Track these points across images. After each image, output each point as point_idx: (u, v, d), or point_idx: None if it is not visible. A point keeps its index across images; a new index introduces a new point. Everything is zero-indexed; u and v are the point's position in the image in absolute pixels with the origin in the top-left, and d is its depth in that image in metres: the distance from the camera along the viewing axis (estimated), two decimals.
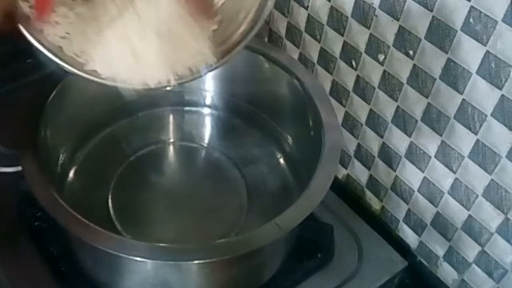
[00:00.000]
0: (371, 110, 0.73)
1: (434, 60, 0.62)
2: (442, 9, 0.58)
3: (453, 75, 0.60)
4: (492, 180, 0.61)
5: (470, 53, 0.57)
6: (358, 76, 0.73)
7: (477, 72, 0.58)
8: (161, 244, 0.52)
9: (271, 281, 0.64)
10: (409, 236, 0.75)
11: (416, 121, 0.67)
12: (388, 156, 0.74)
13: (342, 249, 0.70)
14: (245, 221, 0.66)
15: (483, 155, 0.61)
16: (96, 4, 0.46)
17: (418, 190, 0.71)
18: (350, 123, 0.77)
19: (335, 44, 0.74)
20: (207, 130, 0.77)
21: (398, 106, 0.69)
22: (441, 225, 0.70)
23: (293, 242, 0.65)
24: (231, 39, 0.50)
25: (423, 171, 0.69)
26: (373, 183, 0.78)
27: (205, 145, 0.74)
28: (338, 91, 0.77)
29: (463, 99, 0.60)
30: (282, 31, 0.82)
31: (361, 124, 0.76)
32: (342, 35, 0.72)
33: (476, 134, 0.61)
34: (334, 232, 0.70)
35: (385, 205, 0.78)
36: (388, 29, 0.65)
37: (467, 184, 0.64)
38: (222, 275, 0.59)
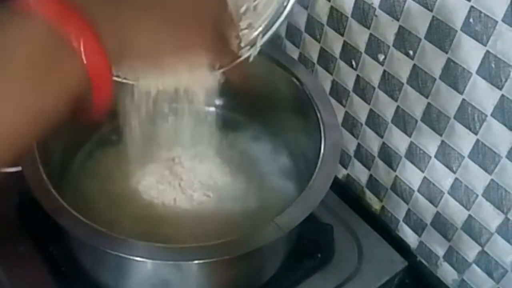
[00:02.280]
0: (371, 110, 0.73)
1: (434, 60, 0.62)
2: (442, 9, 0.58)
3: (453, 75, 0.60)
4: (492, 180, 0.61)
5: (470, 53, 0.57)
6: (358, 76, 0.73)
7: (477, 72, 0.58)
8: (161, 244, 0.52)
9: (271, 281, 0.64)
10: (409, 236, 0.75)
11: (416, 121, 0.67)
12: (388, 156, 0.74)
13: (342, 249, 0.70)
14: (245, 220, 0.66)
15: (483, 155, 0.61)
16: None
17: (418, 190, 0.71)
18: (350, 123, 0.77)
19: (335, 44, 0.74)
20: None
21: (398, 106, 0.69)
22: (441, 225, 0.70)
23: (293, 242, 0.65)
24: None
25: (423, 171, 0.69)
26: (373, 183, 0.78)
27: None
28: (338, 91, 0.77)
29: (463, 99, 0.60)
30: (282, 31, 0.82)
31: (361, 124, 0.76)
32: (342, 35, 0.72)
33: (476, 134, 0.61)
34: (334, 232, 0.70)
35: (385, 205, 0.78)
36: (388, 29, 0.65)
37: (467, 184, 0.64)
38: (222, 275, 0.59)
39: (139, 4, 0.38)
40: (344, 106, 0.77)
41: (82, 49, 0.33)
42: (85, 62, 0.34)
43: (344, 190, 0.81)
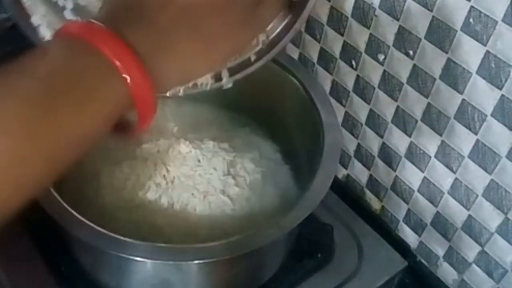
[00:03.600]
0: (371, 110, 0.73)
1: (434, 60, 0.62)
2: (442, 9, 0.58)
3: (453, 75, 0.60)
4: (492, 180, 0.61)
5: (470, 53, 0.57)
6: (358, 76, 0.73)
7: (477, 72, 0.58)
8: (161, 244, 0.52)
9: (271, 281, 0.64)
10: (409, 236, 0.75)
11: (416, 121, 0.67)
12: (388, 156, 0.74)
13: (342, 249, 0.70)
14: (245, 220, 0.66)
15: (483, 155, 0.61)
16: None
17: (418, 190, 0.71)
18: (350, 123, 0.77)
19: (335, 44, 0.74)
20: (206, 128, 0.76)
21: (398, 106, 0.69)
22: (441, 225, 0.70)
23: (293, 242, 0.65)
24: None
25: (423, 171, 0.69)
26: (373, 183, 0.78)
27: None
28: (338, 91, 0.77)
29: (463, 99, 0.60)
30: None
31: (361, 124, 0.76)
32: (342, 35, 0.72)
33: (476, 134, 0.61)
34: (334, 232, 0.70)
35: (385, 205, 0.78)
36: (388, 29, 0.65)
37: (467, 184, 0.64)
38: (222, 275, 0.59)
39: (172, 27, 0.37)
40: (344, 106, 0.77)
41: (129, 81, 0.34)
42: (132, 92, 0.34)
43: (344, 190, 0.81)
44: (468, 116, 0.61)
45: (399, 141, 0.71)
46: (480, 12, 0.55)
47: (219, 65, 0.43)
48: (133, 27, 0.35)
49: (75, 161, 0.34)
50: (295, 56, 0.81)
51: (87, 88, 0.33)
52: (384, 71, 0.68)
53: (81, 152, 0.34)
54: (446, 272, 0.72)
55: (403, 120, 0.69)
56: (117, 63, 0.33)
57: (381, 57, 0.68)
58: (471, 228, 0.66)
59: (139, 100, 0.34)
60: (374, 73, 0.70)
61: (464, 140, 0.62)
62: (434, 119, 0.65)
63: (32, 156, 0.31)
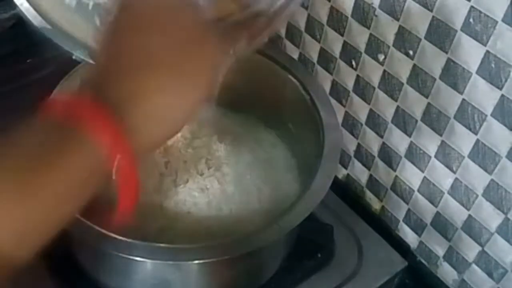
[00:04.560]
0: (371, 110, 0.73)
1: (434, 60, 0.62)
2: (442, 9, 0.58)
3: (453, 75, 0.60)
4: (492, 180, 0.61)
5: (470, 53, 0.57)
6: (358, 76, 0.73)
7: (477, 72, 0.58)
8: (161, 244, 0.52)
9: (271, 281, 0.64)
10: (409, 236, 0.75)
11: (416, 121, 0.67)
12: (388, 156, 0.74)
13: (342, 249, 0.70)
14: (245, 220, 0.66)
15: (483, 155, 0.61)
16: None
17: (418, 190, 0.71)
18: (350, 123, 0.78)
19: (335, 44, 0.74)
20: (205, 128, 0.76)
21: (398, 106, 0.69)
22: (441, 225, 0.70)
23: (293, 242, 0.65)
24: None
25: (423, 171, 0.69)
26: (373, 183, 0.78)
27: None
28: (338, 91, 0.77)
29: (463, 99, 0.60)
30: (282, 31, 0.82)
31: (361, 124, 0.76)
32: (342, 35, 0.72)
33: (476, 134, 0.61)
34: (334, 232, 0.70)
35: (385, 205, 0.78)
36: (388, 29, 0.65)
37: (467, 184, 0.64)
38: (222, 275, 0.59)
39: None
40: (344, 106, 0.77)
41: (115, 165, 0.35)
42: (109, 153, 0.35)
43: (344, 190, 0.81)
44: (468, 116, 0.61)
45: (399, 141, 0.71)
46: (480, 12, 0.55)
47: (203, 89, 0.40)
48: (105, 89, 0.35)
49: (69, 213, 0.39)
50: (295, 56, 0.81)
51: (60, 157, 0.35)
52: (384, 71, 0.68)
53: (71, 207, 0.39)
54: (446, 272, 0.72)
55: (403, 120, 0.69)
56: (95, 135, 0.34)
57: (381, 57, 0.68)
58: (471, 228, 0.66)
59: (119, 164, 0.36)
60: (374, 73, 0.70)
61: (464, 140, 0.62)
62: (434, 119, 0.65)
63: (29, 213, 0.35)
